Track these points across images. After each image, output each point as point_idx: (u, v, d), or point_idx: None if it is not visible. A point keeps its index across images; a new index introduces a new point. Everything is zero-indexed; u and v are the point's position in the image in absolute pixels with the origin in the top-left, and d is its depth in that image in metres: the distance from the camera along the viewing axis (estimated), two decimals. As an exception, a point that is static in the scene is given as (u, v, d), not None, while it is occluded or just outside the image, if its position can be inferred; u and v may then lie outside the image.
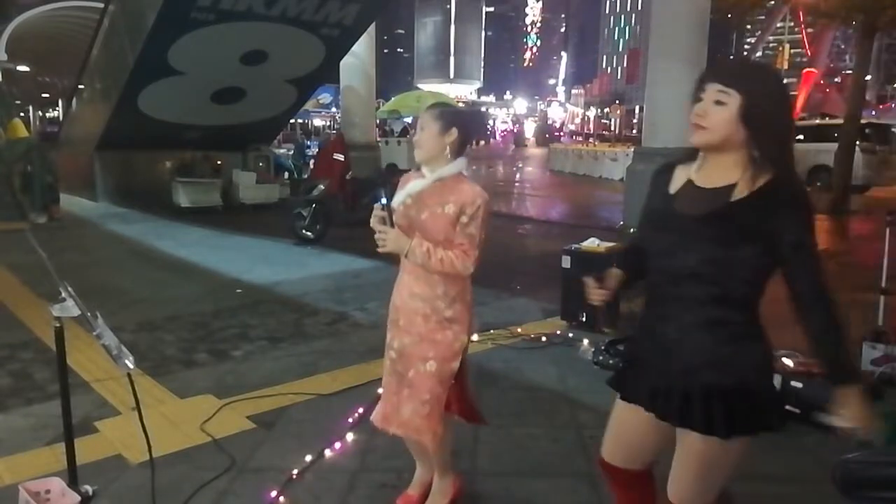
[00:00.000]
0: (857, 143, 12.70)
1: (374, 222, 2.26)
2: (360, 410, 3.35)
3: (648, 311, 1.76)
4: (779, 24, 53.64)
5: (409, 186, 2.33)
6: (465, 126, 2.36)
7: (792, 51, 58.79)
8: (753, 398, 1.66)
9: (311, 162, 16.09)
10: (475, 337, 4.65)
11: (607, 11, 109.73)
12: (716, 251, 1.58)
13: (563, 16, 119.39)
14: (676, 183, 1.71)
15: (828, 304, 1.64)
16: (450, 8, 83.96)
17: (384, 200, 2.25)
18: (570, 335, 4.66)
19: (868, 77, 15.19)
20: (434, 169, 2.31)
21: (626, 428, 1.86)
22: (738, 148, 1.60)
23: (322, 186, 8.59)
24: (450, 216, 2.25)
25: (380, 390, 2.56)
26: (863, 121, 13.71)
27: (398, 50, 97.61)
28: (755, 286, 1.66)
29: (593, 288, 1.84)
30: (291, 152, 18.61)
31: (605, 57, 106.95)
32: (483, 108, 68.40)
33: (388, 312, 2.49)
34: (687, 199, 1.66)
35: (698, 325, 1.64)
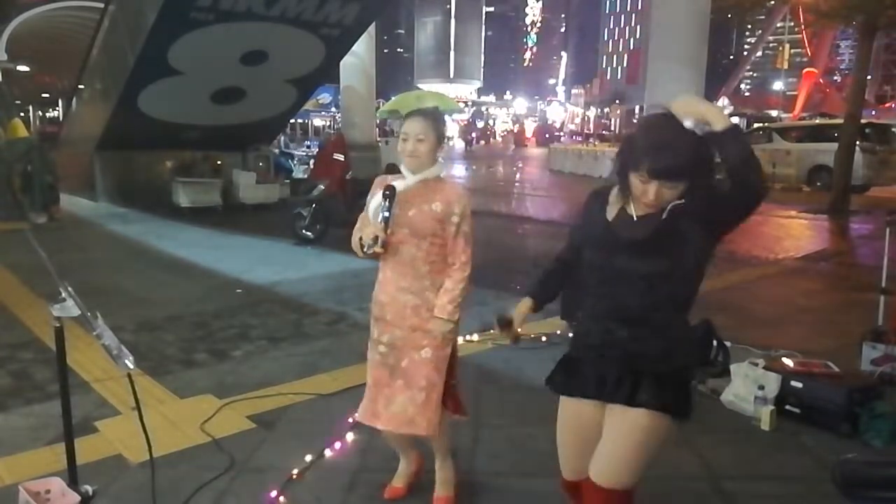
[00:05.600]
0: (857, 143, 12.69)
1: (367, 235, 2.33)
2: (360, 410, 3.34)
3: (599, 311, 1.92)
4: (779, 24, 53.69)
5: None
6: (444, 132, 2.51)
7: (792, 51, 58.79)
8: (688, 385, 1.96)
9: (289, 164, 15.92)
10: (475, 337, 4.66)
11: (607, 11, 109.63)
12: (660, 263, 1.81)
13: (563, 16, 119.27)
14: (612, 210, 1.91)
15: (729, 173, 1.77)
16: (450, 8, 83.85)
17: (387, 214, 2.34)
18: (570, 335, 4.65)
19: (868, 77, 15.16)
20: (416, 171, 2.42)
21: (579, 424, 1.99)
22: None
23: (322, 186, 8.59)
24: (437, 214, 2.40)
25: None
26: (863, 121, 13.69)
27: (398, 50, 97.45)
28: (695, 287, 1.89)
29: (505, 331, 2.10)
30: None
31: (605, 57, 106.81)
32: (483, 108, 68.44)
33: (371, 325, 2.55)
34: (625, 224, 1.87)
35: (649, 324, 1.85)
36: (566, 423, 2.02)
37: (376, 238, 2.31)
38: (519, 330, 2.10)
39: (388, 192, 2.36)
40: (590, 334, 1.94)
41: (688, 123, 1.75)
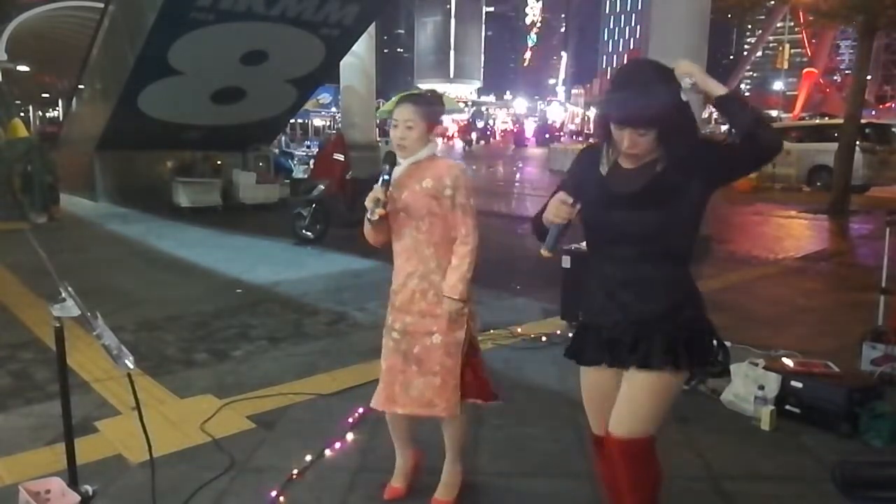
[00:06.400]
0: (857, 143, 12.68)
1: (370, 199, 2.35)
2: (360, 410, 3.35)
3: (602, 276, 1.97)
4: (779, 24, 53.61)
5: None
6: (440, 117, 2.53)
7: (792, 51, 58.75)
8: (703, 336, 1.96)
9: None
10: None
11: (607, 11, 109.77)
12: (656, 216, 1.84)
13: (563, 16, 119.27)
14: (605, 166, 1.94)
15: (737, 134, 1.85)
16: (450, 8, 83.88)
17: (386, 177, 2.37)
18: (570, 335, 4.65)
19: (868, 77, 15.15)
20: (408, 157, 2.44)
21: (600, 389, 2.05)
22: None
23: (322, 186, 8.59)
24: (428, 189, 2.40)
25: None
26: (863, 121, 13.69)
27: (398, 50, 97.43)
28: (692, 239, 1.92)
29: (561, 203, 1.87)
30: None
31: (605, 57, 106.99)
32: (483, 108, 68.38)
33: (387, 313, 2.57)
34: (620, 179, 1.90)
35: (652, 282, 1.89)
36: (588, 389, 2.10)
37: (377, 200, 2.33)
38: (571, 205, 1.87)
39: (388, 157, 2.42)
40: (596, 299, 2.00)
41: (686, 82, 1.81)
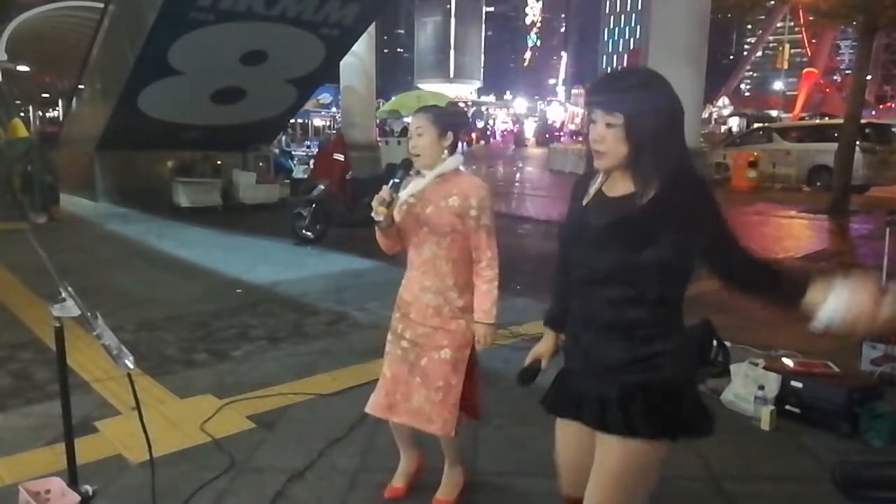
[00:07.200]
0: (857, 143, 12.68)
1: (376, 199, 2.31)
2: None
3: (574, 319, 1.80)
4: (779, 24, 53.66)
5: (410, 187, 2.41)
6: (457, 126, 2.48)
7: (792, 51, 58.73)
8: (674, 399, 1.68)
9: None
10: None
11: (607, 11, 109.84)
12: (623, 256, 1.63)
13: (563, 16, 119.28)
14: (589, 194, 1.76)
15: (761, 262, 1.73)
16: (450, 8, 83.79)
17: (397, 180, 2.35)
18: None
19: (868, 77, 15.15)
20: (432, 168, 2.40)
21: (569, 444, 1.84)
22: (629, 162, 1.65)
23: (322, 186, 8.59)
24: (454, 208, 2.37)
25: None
26: (863, 121, 13.69)
27: (398, 50, 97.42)
28: (669, 286, 1.67)
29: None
30: None
31: (605, 57, 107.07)
32: (483, 108, 68.37)
33: (389, 313, 2.56)
34: (597, 208, 1.71)
35: (613, 327, 1.67)
36: (558, 441, 1.89)
37: (382, 200, 2.29)
38: (544, 364, 1.97)
39: (403, 162, 2.41)
40: (567, 341, 1.85)
41: (831, 313, 1.66)
